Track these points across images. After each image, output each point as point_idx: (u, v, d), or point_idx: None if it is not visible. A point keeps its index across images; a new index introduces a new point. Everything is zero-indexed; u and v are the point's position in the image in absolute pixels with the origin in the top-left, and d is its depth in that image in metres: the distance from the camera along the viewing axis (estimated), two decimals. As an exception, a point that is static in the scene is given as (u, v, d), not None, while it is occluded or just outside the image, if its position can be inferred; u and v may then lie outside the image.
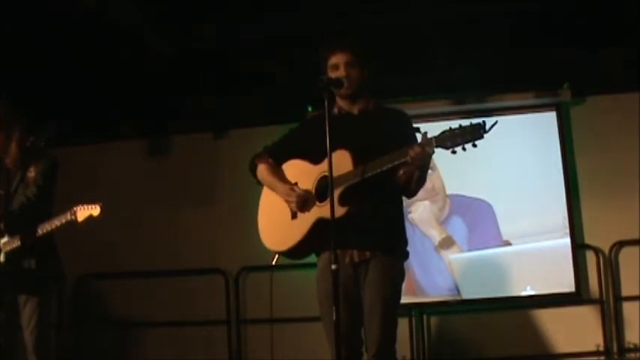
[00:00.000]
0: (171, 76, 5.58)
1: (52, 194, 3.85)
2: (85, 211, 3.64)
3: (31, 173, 3.79)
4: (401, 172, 3.07)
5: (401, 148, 2.95)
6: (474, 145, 2.81)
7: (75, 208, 3.65)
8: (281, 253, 3.32)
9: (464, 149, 2.83)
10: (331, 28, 4.99)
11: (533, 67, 5.32)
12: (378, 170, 3.00)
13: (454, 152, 2.84)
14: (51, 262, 3.84)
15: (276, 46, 5.35)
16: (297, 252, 3.29)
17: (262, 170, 3.41)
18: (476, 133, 2.80)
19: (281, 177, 3.37)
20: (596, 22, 5.02)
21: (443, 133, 2.86)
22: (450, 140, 2.83)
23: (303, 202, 3.22)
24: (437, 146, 2.88)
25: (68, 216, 3.66)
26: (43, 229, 3.71)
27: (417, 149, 2.90)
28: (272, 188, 3.37)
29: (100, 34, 5.03)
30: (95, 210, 3.65)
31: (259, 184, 3.47)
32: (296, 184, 3.32)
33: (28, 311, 3.74)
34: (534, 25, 5.13)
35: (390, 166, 2.98)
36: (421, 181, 3.16)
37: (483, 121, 2.83)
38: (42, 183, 3.78)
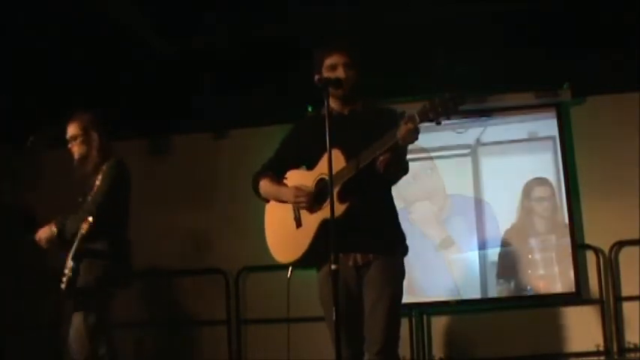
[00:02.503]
0: (172, 76, 5.58)
1: (115, 199, 3.91)
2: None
3: (98, 181, 3.88)
4: (380, 158, 3.06)
5: (387, 134, 2.97)
6: (457, 112, 2.82)
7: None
8: (294, 264, 3.31)
9: (448, 118, 2.84)
10: (331, 29, 4.98)
11: (533, 67, 5.32)
12: (371, 158, 3.01)
13: (439, 123, 2.86)
14: (121, 274, 3.93)
15: (276, 47, 5.35)
16: (308, 260, 3.26)
17: (264, 184, 3.40)
18: (457, 100, 2.81)
19: (283, 184, 3.37)
20: (596, 23, 5.02)
21: (424, 106, 2.87)
22: (433, 112, 2.84)
23: (313, 199, 3.20)
24: (421, 121, 2.89)
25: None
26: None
27: (403, 128, 2.91)
28: (278, 196, 3.35)
29: (100, 34, 5.03)
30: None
31: (265, 201, 3.45)
32: None
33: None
34: (534, 24, 5.13)
35: (380, 152, 3.00)
36: (400, 164, 3.14)
37: (462, 89, 2.85)
38: (97, 195, 3.85)
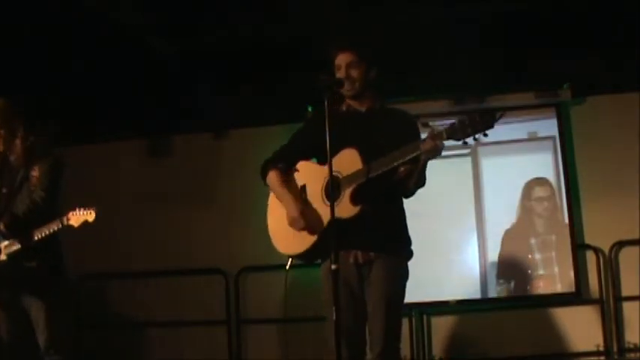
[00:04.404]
0: (172, 76, 5.58)
1: (58, 194, 3.83)
2: (80, 217, 3.66)
3: (35, 172, 3.78)
4: (402, 169, 3.07)
5: (410, 144, 2.96)
6: (485, 135, 2.81)
7: (69, 214, 3.67)
8: (295, 257, 3.31)
9: (475, 139, 2.83)
10: (331, 29, 4.98)
11: (533, 67, 5.32)
12: (390, 166, 3.00)
13: (465, 143, 2.85)
14: (52, 263, 3.82)
15: (277, 46, 5.35)
16: (311, 254, 3.27)
17: (273, 177, 3.38)
18: (486, 123, 2.80)
19: (291, 187, 3.34)
20: (596, 23, 5.02)
21: (453, 124, 2.86)
22: (461, 131, 2.83)
23: (307, 226, 3.20)
24: (448, 138, 2.88)
25: (64, 221, 3.68)
26: (40, 233, 3.72)
27: (429, 142, 2.91)
28: (280, 198, 3.34)
29: (101, 34, 5.03)
30: (90, 215, 3.65)
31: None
32: (304, 185, 3.33)
33: (34, 313, 3.74)
34: (534, 25, 5.13)
35: (401, 161, 2.98)
36: (421, 180, 3.15)
37: (492, 110, 2.83)
38: (48, 185, 3.77)
